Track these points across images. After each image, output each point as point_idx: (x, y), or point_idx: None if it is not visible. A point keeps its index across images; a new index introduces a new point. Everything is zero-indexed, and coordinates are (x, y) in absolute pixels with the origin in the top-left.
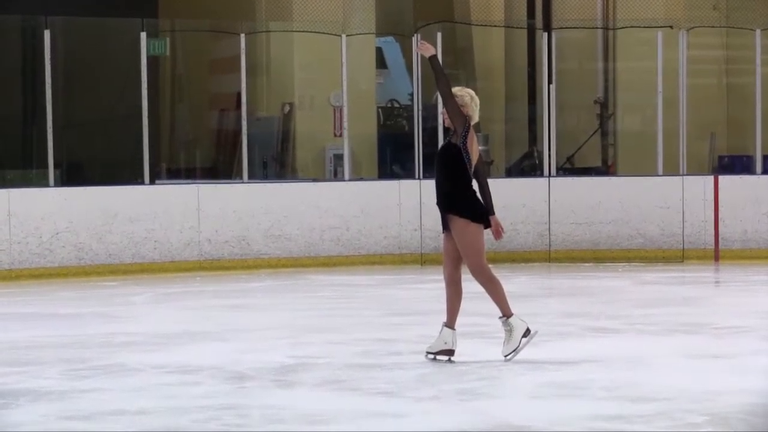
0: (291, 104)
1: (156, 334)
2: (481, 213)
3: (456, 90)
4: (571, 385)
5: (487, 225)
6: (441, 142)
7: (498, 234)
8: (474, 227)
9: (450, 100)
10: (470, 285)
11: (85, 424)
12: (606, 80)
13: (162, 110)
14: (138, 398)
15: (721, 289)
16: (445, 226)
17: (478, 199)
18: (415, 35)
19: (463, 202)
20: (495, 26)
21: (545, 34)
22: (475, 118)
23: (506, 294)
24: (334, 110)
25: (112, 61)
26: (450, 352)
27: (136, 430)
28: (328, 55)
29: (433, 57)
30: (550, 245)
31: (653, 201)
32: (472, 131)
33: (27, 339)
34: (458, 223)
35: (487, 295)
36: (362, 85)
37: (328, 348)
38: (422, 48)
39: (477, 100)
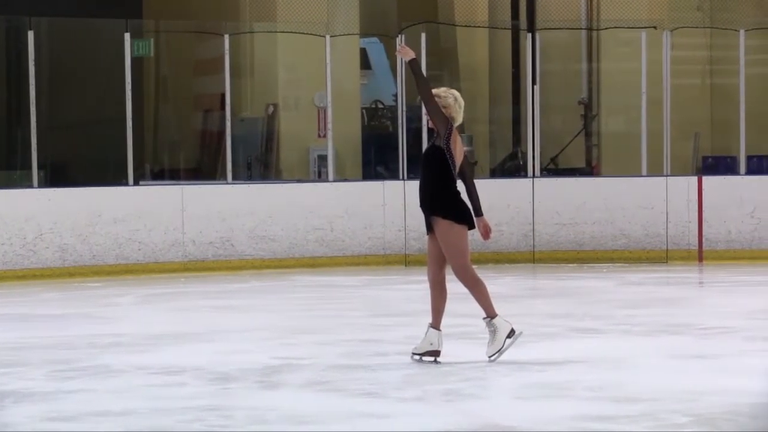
0: (275, 105)
1: (140, 335)
2: (465, 214)
3: (440, 91)
4: (556, 385)
5: (471, 226)
6: (425, 142)
7: (486, 235)
8: (458, 228)
9: (431, 103)
10: (454, 286)
11: (69, 425)
12: (590, 81)
13: (146, 111)
14: (123, 399)
15: (705, 290)
16: (429, 228)
17: (462, 201)
18: (399, 36)
19: (447, 203)
20: (479, 27)
21: (529, 35)
22: (459, 120)
23: (490, 295)
24: (318, 111)
25: (97, 62)
26: (436, 353)
27: (120, 430)
28: (312, 56)
29: (413, 60)
30: (534, 246)
31: (637, 202)
32: (455, 132)
33: (11, 340)
34: (442, 224)
35: (470, 297)
36: (346, 85)
37: (312, 349)
38: (402, 51)
39: (461, 101)
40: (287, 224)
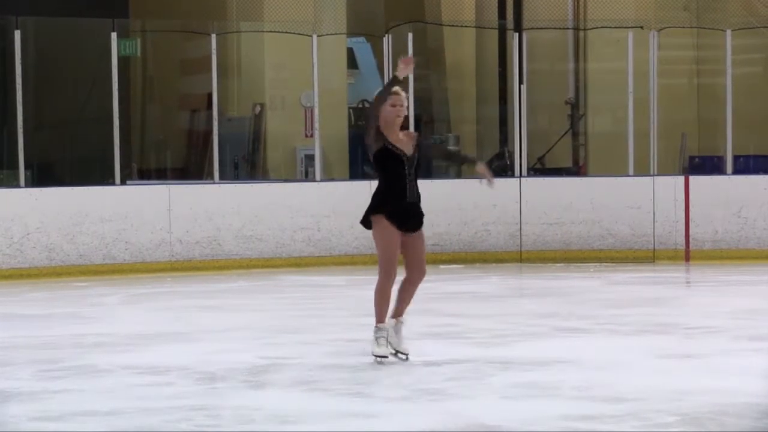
0: (262, 105)
1: (127, 335)
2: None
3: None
4: (542, 385)
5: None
6: None
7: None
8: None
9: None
10: (439, 286)
11: (56, 425)
12: (577, 81)
13: (133, 111)
14: (109, 399)
15: (691, 290)
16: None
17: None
18: (386, 35)
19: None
20: (466, 26)
21: (516, 35)
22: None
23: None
24: (305, 111)
25: (83, 62)
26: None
27: (107, 430)
28: (299, 56)
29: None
30: (521, 246)
31: (624, 201)
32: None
33: None
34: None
35: (457, 296)
36: (333, 85)
37: (299, 348)
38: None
39: None
40: (274, 224)
